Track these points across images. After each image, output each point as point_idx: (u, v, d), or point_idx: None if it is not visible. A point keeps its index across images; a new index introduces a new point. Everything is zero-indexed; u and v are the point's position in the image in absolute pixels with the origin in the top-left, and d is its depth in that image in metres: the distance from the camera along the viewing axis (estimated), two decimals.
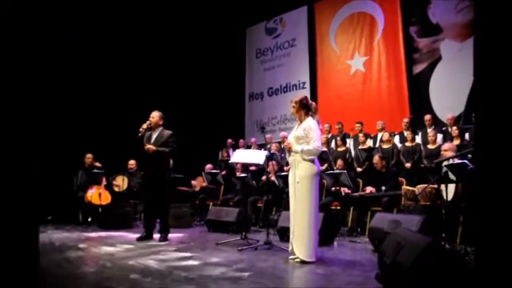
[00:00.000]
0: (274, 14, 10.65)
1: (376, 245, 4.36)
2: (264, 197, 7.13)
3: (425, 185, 4.88)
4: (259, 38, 11.07)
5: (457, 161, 4.32)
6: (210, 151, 9.52)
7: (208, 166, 8.33)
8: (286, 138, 8.63)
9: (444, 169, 4.33)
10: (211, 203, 7.94)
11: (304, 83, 9.92)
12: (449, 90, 7.49)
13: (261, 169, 8.18)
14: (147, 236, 5.18)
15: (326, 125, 7.97)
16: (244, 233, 4.93)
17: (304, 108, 3.99)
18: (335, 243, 5.01)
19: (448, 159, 4.52)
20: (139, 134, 5.25)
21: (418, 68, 8.09)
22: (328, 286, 2.88)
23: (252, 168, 8.32)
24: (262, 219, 7.10)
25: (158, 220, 5.38)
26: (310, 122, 3.90)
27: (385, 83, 8.54)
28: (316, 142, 3.81)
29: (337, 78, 9.32)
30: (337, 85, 9.23)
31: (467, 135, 6.58)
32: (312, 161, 3.84)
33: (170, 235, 5.27)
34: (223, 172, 8.33)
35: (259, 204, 7.26)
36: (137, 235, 5.23)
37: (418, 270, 2.11)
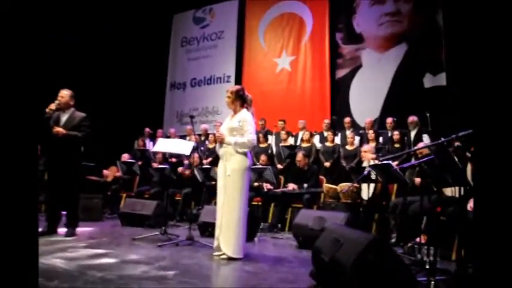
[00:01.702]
0: (203, 3, 10.34)
1: (301, 241, 4.38)
2: (183, 190, 6.84)
3: (348, 184, 5.05)
4: (186, 26, 10.66)
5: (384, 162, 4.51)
6: (125, 139, 8.90)
7: (125, 155, 7.76)
8: (207, 130, 8.59)
9: (368, 169, 4.50)
10: (124, 195, 7.40)
11: (229, 77, 9.78)
12: (368, 96, 7.97)
13: (179, 161, 7.86)
14: (49, 231, 4.57)
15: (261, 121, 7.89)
16: (164, 228, 4.62)
17: (240, 99, 3.83)
18: (256, 239, 4.94)
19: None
20: (46, 115, 4.59)
21: (341, 73, 8.46)
22: (261, 284, 2.76)
23: (172, 159, 7.96)
24: (180, 213, 6.81)
25: (64, 212, 4.78)
26: (245, 114, 3.76)
27: (309, 84, 8.79)
28: (250, 135, 3.68)
29: (262, 75, 9.35)
30: (262, 82, 9.26)
31: (381, 139, 7.02)
32: (245, 154, 3.70)
33: (78, 229, 4.72)
34: (139, 162, 7.82)
35: (177, 198, 6.95)
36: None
37: (359, 268, 2.08)
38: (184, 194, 6.78)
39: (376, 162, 5.05)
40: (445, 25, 7.30)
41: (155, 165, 7.47)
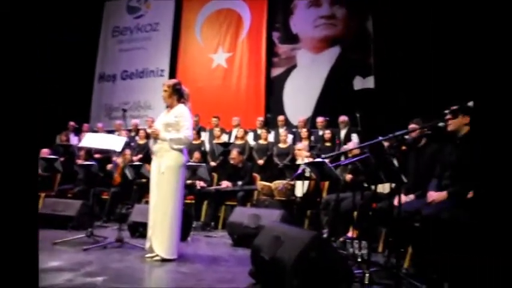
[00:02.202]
0: None
1: (236, 239, 4.33)
2: (111, 189, 6.46)
3: (283, 181, 5.10)
4: (119, 15, 10.09)
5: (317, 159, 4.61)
6: (45, 133, 8.18)
7: (45, 151, 7.12)
8: (138, 125, 8.22)
9: (302, 167, 4.57)
10: (43, 194, 6.79)
11: (162, 71, 9.45)
12: (301, 95, 8.17)
13: (106, 157, 7.42)
14: None
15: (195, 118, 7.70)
16: (90, 230, 4.30)
17: (177, 93, 3.68)
18: (189, 238, 4.80)
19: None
20: None
21: (276, 72, 8.58)
22: (198, 285, 2.66)
23: (97, 155, 7.48)
24: (108, 213, 6.42)
25: None
26: (182, 109, 3.61)
27: (244, 82, 8.79)
28: (187, 131, 3.54)
29: (198, 71, 9.16)
30: (197, 77, 9.06)
31: (312, 137, 7.22)
32: (181, 150, 3.56)
33: None
34: (62, 159, 7.24)
35: (104, 197, 6.54)
36: None
37: (301, 265, 2.07)
38: (113, 193, 6.39)
39: (311, 159, 5.18)
40: (375, 32, 7.72)
41: (80, 161, 6.96)
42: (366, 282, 2.47)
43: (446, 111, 2.94)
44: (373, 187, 4.27)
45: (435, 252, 2.56)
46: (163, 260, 3.32)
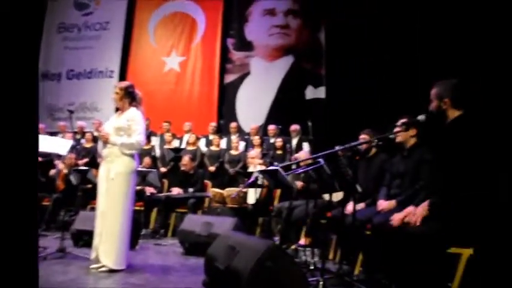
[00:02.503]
0: None
1: (187, 247, 4.23)
2: (53, 195, 6.08)
3: (236, 188, 5.07)
4: (65, 10, 9.55)
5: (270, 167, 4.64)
6: None
7: None
8: (84, 128, 7.83)
9: (255, 174, 4.58)
10: None
11: (112, 72, 9.09)
12: (254, 102, 8.22)
13: (48, 161, 6.98)
14: None
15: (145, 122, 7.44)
16: None
17: (129, 96, 3.54)
18: (137, 246, 4.62)
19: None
20: None
21: (229, 78, 8.56)
22: None
23: (38, 159, 7.02)
24: (49, 221, 6.01)
25: None
26: (134, 113, 3.48)
27: (197, 87, 8.70)
28: (139, 136, 3.42)
29: (149, 73, 8.93)
30: (148, 80, 8.81)
31: (264, 145, 7.27)
32: (132, 156, 3.43)
33: None
34: None
35: (45, 203, 6.13)
36: None
37: (258, 275, 2.05)
38: (55, 199, 6.02)
39: (263, 167, 5.21)
40: (327, 43, 7.96)
41: None
42: None
43: (398, 124, 3.08)
44: (326, 196, 4.39)
45: (385, 259, 2.66)
46: (111, 271, 3.15)
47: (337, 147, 2.57)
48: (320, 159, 3.05)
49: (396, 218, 2.26)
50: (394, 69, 5.40)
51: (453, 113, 2.30)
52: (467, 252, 2.01)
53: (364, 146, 3.59)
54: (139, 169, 5.88)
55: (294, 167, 5.89)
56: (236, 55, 8.61)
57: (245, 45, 8.55)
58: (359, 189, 2.74)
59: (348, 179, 2.69)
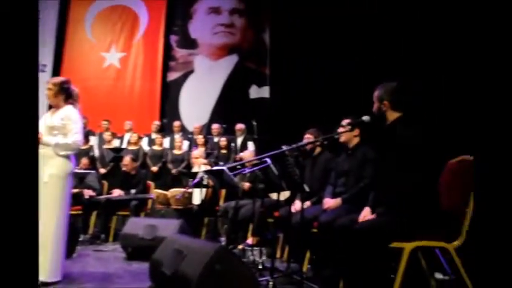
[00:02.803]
0: None
1: (130, 252, 4.04)
2: None
3: (181, 189, 4.94)
4: None
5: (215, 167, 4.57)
6: None
7: None
8: None
9: (200, 174, 4.49)
10: None
11: (44, 66, 8.46)
12: (198, 101, 8.11)
13: None
14: None
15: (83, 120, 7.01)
16: None
17: (65, 93, 3.28)
18: (75, 254, 4.34)
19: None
20: None
21: (172, 76, 8.36)
22: None
23: None
24: None
25: None
26: (70, 111, 3.23)
27: (138, 84, 8.40)
28: (76, 135, 3.18)
29: (87, 69, 8.46)
30: (86, 76, 8.34)
31: (208, 144, 7.19)
32: (67, 157, 3.18)
33: None
34: None
35: None
36: None
37: (207, 279, 1.99)
38: None
39: (208, 167, 5.13)
40: (271, 43, 8.04)
41: None
42: None
43: (342, 124, 3.16)
44: (273, 195, 4.41)
45: (332, 256, 2.71)
46: (44, 285, 2.91)
47: (284, 147, 2.57)
48: (267, 159, 3.05)
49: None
50: (338, 70, 5.55)
51: (392, 115, 2.38)
52: (409, 246, 2.10)
53: (310, 146, 3.64)
54: (77, 171, 5.54)
55: (239, 167, 5.89)
56: (180, 52, 8.43)
57: (189, 43, 8.40)
58: (307, 189, 2.78)
59: (296, 179, 2.71)
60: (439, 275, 2.66)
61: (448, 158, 2.47)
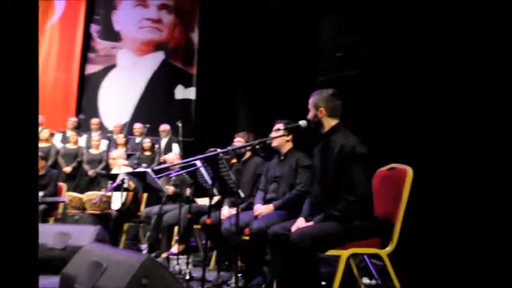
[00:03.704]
0: None
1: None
2: None
3: (99, 193, 4.54)
4: None
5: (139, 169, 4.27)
6: None
7: None
8: None
9: (122, 177, 4.16)
10: None
11: None
12: (119, 98, 7.62)
13: None
14: None
15: None
16: None
17: None
18: None
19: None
20: None
21: (92, 69, 7.74)
22: None
23: None
24: None
25: None
26: None
27: (52, 74, 7.61)
28: None
29: None
30: None
31: (129, 145, 6.77)
32: None
33: None
34: None
35: None
36: None
37: None
38: None
39: (129, 169, 4.79)
40: (200, 44, 7.85)
41: None
42: None
43: (275, 128, 3.11)
44: (199, 200, 4.23)
45: (265, 263, 2.64)
46: None
47: (218, 150, 2.43)
48: (197, 162, 2.89)
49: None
50: (265, 74, 5.55)
51: (328, 122, 2.37)
52: (345, 253, 2.09)
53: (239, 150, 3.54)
54: None
55: (163, 170, 5.60)
56: (101, 44, 7.81)
57: (112, 35, 7.84)
58: (242, 194, 2.66)
59: (230, 183, 2.58)
60: (366, 280, 2.72)
61: (377, 166, 2.54)
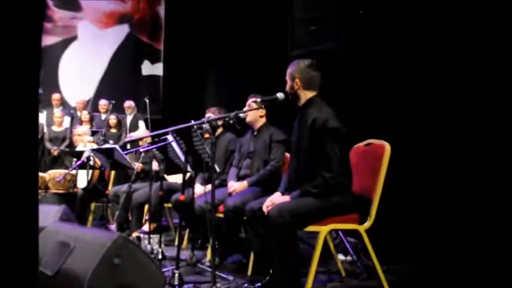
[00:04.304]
0: None
1: None
2: None
3: (62, 171, 4.31)
4: None
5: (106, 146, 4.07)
6: None
7: None
8: None
9: (87, 154, 3.95)
10: None
11: None
12: (81, 73, 7.24)
13: None
14: None
15: None
16: None
17: None
18: None
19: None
20: None
21: (50, 41, 7.23)
22: None
23: None
24: None
25: None
26: None
27: None
28: None
29: None
30: None
31: (94, 122, 6.49)
32: None
33: None
34: None
35: None
36: None
37: (103, 277, 1.67)
38: None
39: (95, 146, 4.58)
40: (167, 18, 7.52)
41: None
42: (176, 283, 2.25)
43: (249, 102, 3.01)
44: (169, 177, 4.11)
45: (241, 241, 2.59)
46: None
47: (192, 122, 2.31)
48: (168, 136, 2.76)
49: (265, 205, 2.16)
50: (236, 49, 5.39)
51: (305, 94, 2.28)
52: (325, 229, 2.06)
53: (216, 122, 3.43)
54: None
55: (128, 146, 5.40)
56: (58, 13, 7.28)
57: (70, 4, 7.30)
58: (217, 169, 2.57)
59: (205, 158, 2.48)
60: (341, 256, 2.74)
61: (354, 141, 2.50)
